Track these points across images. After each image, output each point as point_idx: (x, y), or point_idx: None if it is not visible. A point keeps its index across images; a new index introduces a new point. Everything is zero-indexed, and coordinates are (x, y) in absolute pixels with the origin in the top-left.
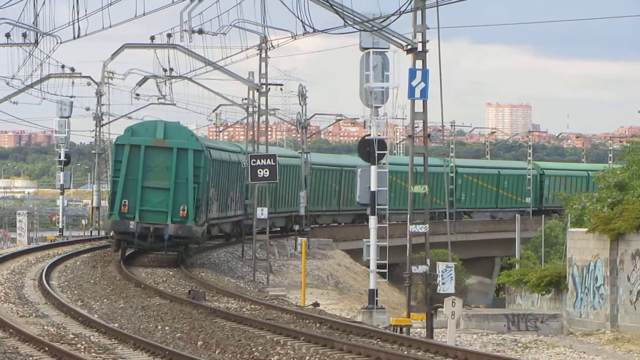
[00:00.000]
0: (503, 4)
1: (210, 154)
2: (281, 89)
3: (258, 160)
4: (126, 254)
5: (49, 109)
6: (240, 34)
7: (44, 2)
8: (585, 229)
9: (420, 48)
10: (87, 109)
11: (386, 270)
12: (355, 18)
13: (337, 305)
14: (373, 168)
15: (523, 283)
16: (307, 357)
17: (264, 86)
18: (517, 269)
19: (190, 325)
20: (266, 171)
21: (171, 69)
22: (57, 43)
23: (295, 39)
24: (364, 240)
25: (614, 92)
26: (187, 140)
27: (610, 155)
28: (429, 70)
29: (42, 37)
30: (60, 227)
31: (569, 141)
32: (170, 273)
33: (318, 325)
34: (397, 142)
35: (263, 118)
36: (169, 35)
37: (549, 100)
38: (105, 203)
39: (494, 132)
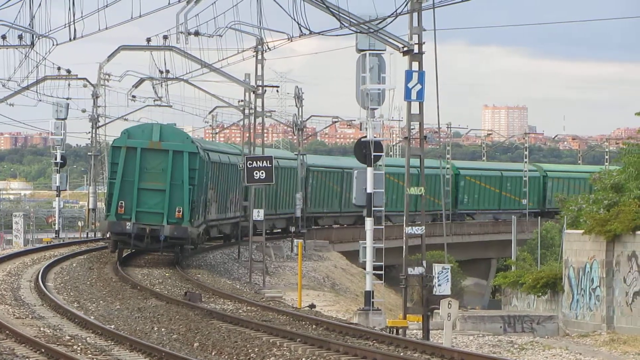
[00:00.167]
0: (500, 6)
1: (208, 156)
2: (277, 91)
3: (254, 162)
4: (123, 255)
5: (45, 110)
6: (237, 36)
7: (40, 4)
8: (582, 231)
9: (416, 50)
10: (83, 111)
11: (382, 272)
12: (351, 20)
13: (333, 306)
14: (369, 170)
15: (519, 285)
16: (304, 359)
17: (260, 88)
18: (513, 270)
19: (187, 326)
20: (262, 173)
21: (167, 71)
22: (53, 45)
23: (291, 40)
24: (360, 241)
25: (610, 93)
26: (183, 143)
27: (606, 157)
28: (425, 72)
29: (38, 38)
30: (56, 228)
31: (566, 143)
32: (167, 275)
33: (314, 326)
34: (394, 144)
35: (259, 120)
36: (165, 37)
37: (546, 102)
38: (101, 205)
39: (490, 134)
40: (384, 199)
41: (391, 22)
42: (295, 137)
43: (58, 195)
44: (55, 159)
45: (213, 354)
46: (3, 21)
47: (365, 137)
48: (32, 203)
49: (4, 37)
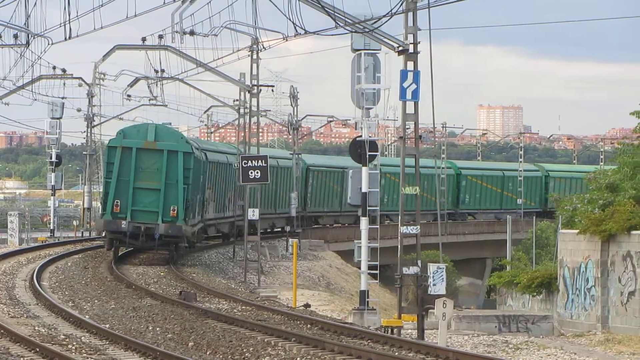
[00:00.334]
0: (495, 6)
1: (206, 156)
2: (272, 90)
3: (249, 161)
4: (119, 254)
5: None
6: (232, 35)
7: (35, 4)
8: (577, 231)
9: (411, 49)
10: (79, 110)
11: (377, 272)
12: (346, 19)
13: (328, 306)
14: (364, 169)
15: (514, 284)
16: (298, 358)
17: (255, 87)
18: (508, 270)
19: (181, 326)
20: (257, 172)
21: (162, 70)
22: (49, 44)
23: (286, 40)
24: (355, 241)
25: (605, 93)
26: (177, 143)
27: (601, 157)
28: (420, 71)
29: (34, 38)
30: (51, 227)
31: (561, 143)
32: (162, 274)
33: (309, 326)
34: (389, 143)
35: (254, 119)
36: (161, 37)
37: (541, 102)
38: (96, 204)
39: (485, 134)
40: (385, 198)
41: (386, 21)
42: (290, 136)
43: (53, 195)
44: (51, 158)
45: (208, 353)
46: None
47: (361, 136)
48: (27, 202)
49: None
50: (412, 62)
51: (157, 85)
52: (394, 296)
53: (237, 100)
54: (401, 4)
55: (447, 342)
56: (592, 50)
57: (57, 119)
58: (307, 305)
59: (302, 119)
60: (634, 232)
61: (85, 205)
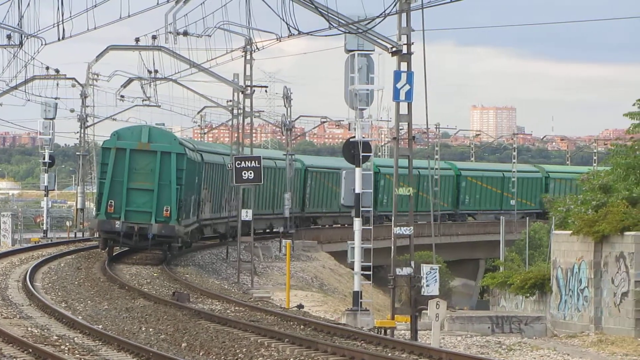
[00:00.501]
0: (488, 7)
1: (202, 157)
2: (266, 91)
3: (242, 162)
4: (113, 254)
5: (34, 110)
6: (225, 36)
7: (29, 4)
8: (570, 232)
9: (405, 50)
10: (72, 111)
11: (371, 273)
12: (340, 20)
13: (321, 307)
14: (357, 170)
15: (507, 285)
16: (291, 359)
17: (249, 88)
18: (502, 271)
19: (175, 326)
20: (251, 173)
21: (156, 71)
22: (42, 44)
23: (280, 41)
24: (349, 242)
25: (598, 94)
26: (170, 144)
27: (595, 157)
28: (413, 72)
29: (27, 38)
30: (44, 228)
31: (554, 144)
32: (155, 274)
33: (302, 327)
34: (382, 144)
35: (248, 120)
36: (154, 37)
37: (534, 103)
38: (89, 204)
39: (478, 135)
40: (384, 199)
41: (380, 22)
42: (284, 137)
43: (46, 195)
44: (44, 159)
45: (201, 354)
46: None
47: (354, 137)
48: (20, 203)
49: None
50: (405, 63)
51: (150, 85)
52: (387, 297)
53: (230, 100)
54: (395, 5)
55: (440, 343)
56: (586, 52)
57: (51, 119)
58: (300, 306)
59: (296, 119)
60: (627, 233)
61: (79, 206)
